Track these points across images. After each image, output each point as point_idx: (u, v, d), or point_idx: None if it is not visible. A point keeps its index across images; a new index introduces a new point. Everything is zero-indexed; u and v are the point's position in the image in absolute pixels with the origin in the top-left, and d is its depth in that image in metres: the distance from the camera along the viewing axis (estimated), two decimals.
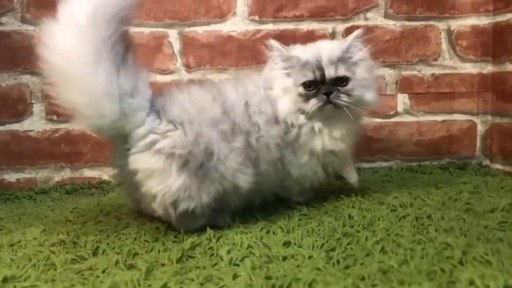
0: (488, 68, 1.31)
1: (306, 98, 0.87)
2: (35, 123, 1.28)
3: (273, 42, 0.90)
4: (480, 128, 1.34)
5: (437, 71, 1.32)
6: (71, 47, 0.71)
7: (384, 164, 1.35)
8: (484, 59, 1.32)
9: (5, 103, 1.27)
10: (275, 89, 0.89)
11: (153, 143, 0.77)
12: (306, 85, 0.87)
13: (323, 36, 1.30)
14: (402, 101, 1.33)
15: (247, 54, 1.28)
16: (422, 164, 1.34)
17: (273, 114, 0.88)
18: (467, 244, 0.69)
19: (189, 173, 0.76)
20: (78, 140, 1.29)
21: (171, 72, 1.29)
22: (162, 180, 0.76)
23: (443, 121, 1.35)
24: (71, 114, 0.75)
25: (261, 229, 0.81)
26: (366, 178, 1.22)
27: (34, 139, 1.28)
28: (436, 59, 1.32)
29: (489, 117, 1.32)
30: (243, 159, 0.82)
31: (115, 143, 0.83)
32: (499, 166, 1.29)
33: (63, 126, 1.28)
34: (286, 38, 1.27)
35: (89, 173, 1.30)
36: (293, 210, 0.93)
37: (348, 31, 1.28)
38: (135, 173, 0.77)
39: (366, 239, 0.74)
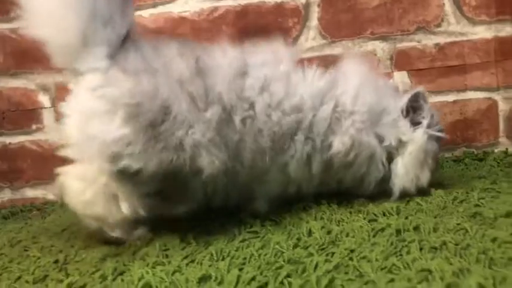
0: (507, 30, 1.06)
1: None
2: None
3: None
4: (503, 107, 1.09)
5: (442, 39, 1.08)
6: None
7: None
8: (500, 18, 1.07)
9: None
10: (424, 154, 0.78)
11: (96, 87, 0.66)
12: None
13: (295, 10, 1.08)
14: (400, 79, 1.11)
15: (205, 36, 1.08)
16: None
17: (288, 101, 0.73)
18: (459, 270, 0.47)
19: (136, 128, 0.64)
20: (16, 155, 1.12)
21: None
22: (102, 124, 0.65)
23: (454, 101, 1.11)
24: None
25: (185, 257, 0.61)
26: None
27: None
28: (439, 25, 1.08)
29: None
30: (213, 136, 0.67)
31: None
32: None
33: None
34: (251, 15, 1.06)
35: (31, 192, 1.13)
36: (243, 225, 0.72)
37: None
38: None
39: (316, 266, 0.53)
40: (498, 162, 0.99)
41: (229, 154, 0.70)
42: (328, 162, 0.75)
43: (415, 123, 0.77)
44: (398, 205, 0.73)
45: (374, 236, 0.61)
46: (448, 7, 1.08)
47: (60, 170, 0.67)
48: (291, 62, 0.76)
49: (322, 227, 0.66)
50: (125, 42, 0.69)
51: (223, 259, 0.59)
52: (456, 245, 0.55)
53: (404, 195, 0.77)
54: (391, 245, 0.57)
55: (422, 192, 0.78)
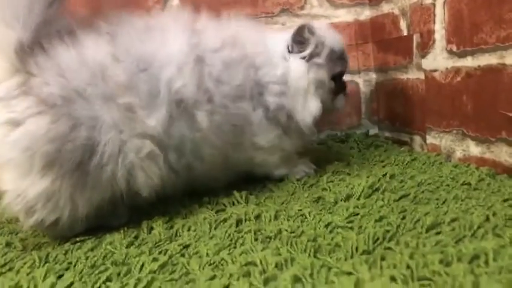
0: (366, 13, 1.10)
1: (335, 94, 0.79)
2: None
3: (313, 24, 0.76)
4: (364, 89, 1.13)
5: (306, 21, 1.08)
6: None
7: None
8: (359, 2, 1.10)
9: None
10: (305, 83, 0.73)
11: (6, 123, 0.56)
12: (337, 78, 0.78)
13: None
14: None
15: None
16: None
17: (243, 87, 0.68)
18: (284, 261, 0.46)
19: (58, 175, 0.57)
20: None
21: None
22: (17, 178, 0.57)
23: None
24: None
25: (3, 265, 0.55)
26: None
27: None
28: (302, 7, 1.09)
29: (373, 75, 1.11)
30: (152, 149, 0.61)
31: None
32: (388, 134, 1.08)
33: None
34: None
35: None
36: None
37: None
38: None
39: (142, 267, 0.51)
40: (358, 144, 1.03)
41: (180, 155, 0.64)
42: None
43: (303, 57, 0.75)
44: (250, 193, 0.71)
45: (215, 228, 0.60)
46: None
47: None
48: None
49: (166, 222, 0.63)
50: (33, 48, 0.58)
51: (44, 265, 0.54)
52: (291, 232, 0.54)
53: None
54: (228, 237, 0.56)
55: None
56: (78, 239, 0.61)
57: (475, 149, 0.75)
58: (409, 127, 0.97)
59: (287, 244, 0.51)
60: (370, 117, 1.13)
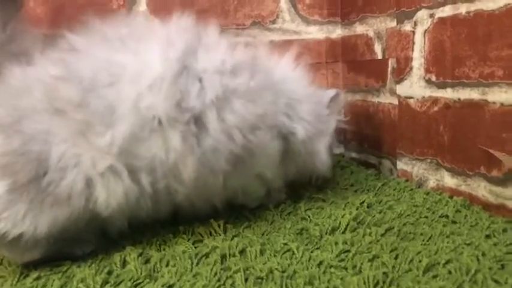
0: (337, 32, 1.11)
1: None
2: None
3: None
4: None
5: (277, 36, 1.08)
6: None
7: None
8: (331, 20, 1.11)
9: None
10: None
11: None
12: None
13: None
14: None
15: None
16: None
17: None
18: None
19: (11, 188, 0.54)
20: None
21: None
22: None
23: None
24: None
25: None
26: None
27: None
28: (274, 22, 1.08)
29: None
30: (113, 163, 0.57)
31: None
32: (354, 155, 1.10)
33: None
34: None
35: None
36: None
37: None
38: None
39: None
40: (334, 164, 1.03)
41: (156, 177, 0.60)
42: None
43: None
44: (227, 221, 0.69)
45: (197, 264, 0.57)
46: (284, 3, 1.08)
47: None
48: None
49: (140, 255, 0.59)
50: None
51: None
52: (283, 272, 0.53)
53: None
54: (215, 275, 0.53)
55: None
56: (41, 274, 0.56)
57: (449, 180, 0.77)
58: (378, 150, 0.99)
59: (282, 287, 0.49)
60: (336, 137, 1.14)
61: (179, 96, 0.59)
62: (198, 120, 0.60)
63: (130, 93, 0.57)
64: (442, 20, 0.75)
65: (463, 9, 0.71)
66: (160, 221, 0.67)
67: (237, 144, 0.62)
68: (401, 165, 0.90)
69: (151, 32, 0.64)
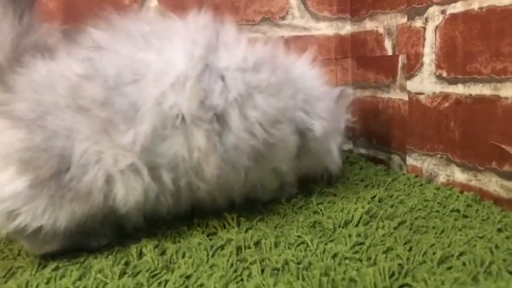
0: (347, 28, 1.12)
1: None
2: None
3: None
4: None
5: (287, 32, 1.09)
6: None
7: None
8: (341, 16, 1.11)
9: None
10: None
11: None
12: None
13: None
14: None
15: None
16: None
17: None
18: None
19: (32, 183, 0.55)
20: None
21: None
22: None
23: None
24: None
25: None
26: None
27: None
28: (283, 18, 1.08)
29: (350, 91, 1.12)
30: (134, 161, 0.57)
31: None
32: (363, 151, 1.10)
33: None
34: None
35: None
36: None
37: None
38: None
39: None
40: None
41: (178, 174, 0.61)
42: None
43: None
44: (240, 214, 0.70)
45: (213, 256, 0.58)
46: (293, 0, 1.08)
47: None
48: None
49: (156, 246, 0.60)
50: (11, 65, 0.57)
51: None
52: (298, 263, 0.54)
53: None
54: (231, 266, 0.54)
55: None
56: (60, 264, 0.57)
57: (460, 175, 0.78)
58: (387, 146, 0.99)
59: (298, 278, 0.50)
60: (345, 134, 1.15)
61: (203, 95, 0.60)
62: (221, 118, 0.61)
63: (153, 92, 0.58)
64: (454, 16, 0.76)
65: (475, 5, 0.71)
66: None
67: (259, 140, 0.63)
68: (411, 160, 0.91)
69: (172, 30, 0.64)
